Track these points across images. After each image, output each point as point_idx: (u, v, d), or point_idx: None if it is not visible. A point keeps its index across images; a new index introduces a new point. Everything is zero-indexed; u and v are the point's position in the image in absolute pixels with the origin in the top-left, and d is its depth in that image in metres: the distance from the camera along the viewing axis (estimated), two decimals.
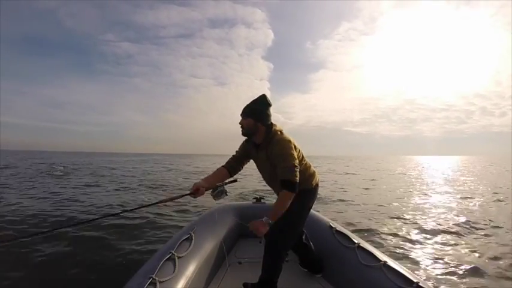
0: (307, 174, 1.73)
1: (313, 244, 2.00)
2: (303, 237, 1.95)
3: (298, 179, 1.52)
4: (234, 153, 1.87)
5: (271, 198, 3.08)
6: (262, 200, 2.81)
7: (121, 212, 2.31)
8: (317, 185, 1.80)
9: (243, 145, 1.84)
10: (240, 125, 1.69)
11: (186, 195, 1.71)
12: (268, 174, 1.71)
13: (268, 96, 1.66)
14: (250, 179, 11.24)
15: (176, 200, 1.75)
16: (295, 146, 1.63)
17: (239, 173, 1.89)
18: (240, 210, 2.64)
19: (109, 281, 2.69)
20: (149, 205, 1.86)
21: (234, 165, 1.84)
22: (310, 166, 1.77)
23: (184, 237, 1.85)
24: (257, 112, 1.63)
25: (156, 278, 1.38)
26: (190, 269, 1.62)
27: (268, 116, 1.65)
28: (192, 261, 1.69)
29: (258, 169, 1.80)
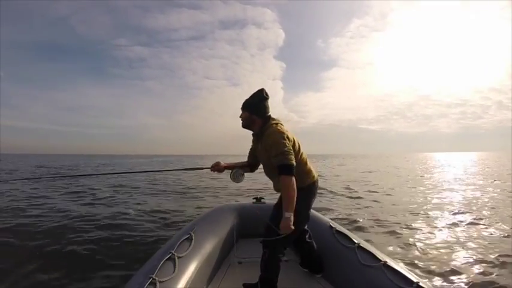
0: (301, 171, 1.71)
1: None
2: (307, 236, 1.95)
3: (293, 162, 1.55)
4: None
5: (271, 199, 3.07)
6: (262, 200, 2.81)
7: (143, 171, 2.67)
8: (313, 183, 1.78)
9: (252, 139, 1.93)
10: (240, 118, 1.80)
11: (207, 168, 1.95)
12: (266, 165, 1.78)
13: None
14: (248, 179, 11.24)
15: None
16: (290, 138, 1.64)
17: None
18: (240, 210, 2.64)
19: (109, 281, 2.69)
20: (171, 170, 2.09)
21: (251, 160, 1.99)
22: (306, 163, 1.76)
23: (184, 237, 1.85)
24: (252, 105, 1.73)
25: (156, 278, 1.38)
26: (191, 269, 1.62)
27: (264, 108, 1.73)
28: (192, 261, 1.69)
29: (260, 161, 1.88)
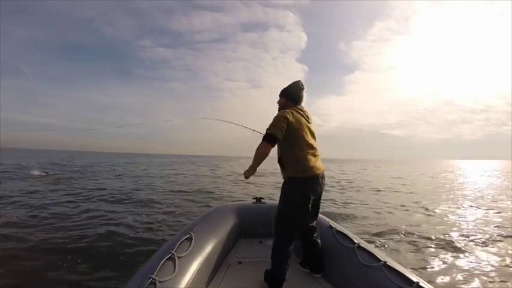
0: (301, 159, 1.71)
1: None
2: (315, 234, 1.96)
3: (275, 133, 1.65)
4: None
5: (271, 199, 3.07)
6: (262, 200, 2.81)
7: None
8: (311, 177, 1.72)
9: None
10: (277, 104, 1.95)
11: None
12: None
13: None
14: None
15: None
16: (293, 117, 1.73)
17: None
18: (240, 210, 2.63)
19: (109, 281, 2.69)
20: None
21: None
22: (307, 154, 1.72)
23: (184, 237, 1.85)
24: (287, 92, 1.90)
25: (156, 278, 1.38)
26: (191, 269, 1.62)
27: (298, 97, 1.89)
28: (192, 261, 1.69)
29: None
